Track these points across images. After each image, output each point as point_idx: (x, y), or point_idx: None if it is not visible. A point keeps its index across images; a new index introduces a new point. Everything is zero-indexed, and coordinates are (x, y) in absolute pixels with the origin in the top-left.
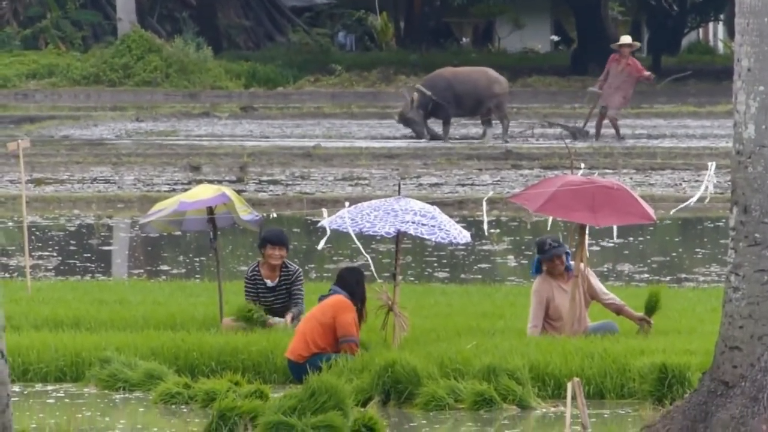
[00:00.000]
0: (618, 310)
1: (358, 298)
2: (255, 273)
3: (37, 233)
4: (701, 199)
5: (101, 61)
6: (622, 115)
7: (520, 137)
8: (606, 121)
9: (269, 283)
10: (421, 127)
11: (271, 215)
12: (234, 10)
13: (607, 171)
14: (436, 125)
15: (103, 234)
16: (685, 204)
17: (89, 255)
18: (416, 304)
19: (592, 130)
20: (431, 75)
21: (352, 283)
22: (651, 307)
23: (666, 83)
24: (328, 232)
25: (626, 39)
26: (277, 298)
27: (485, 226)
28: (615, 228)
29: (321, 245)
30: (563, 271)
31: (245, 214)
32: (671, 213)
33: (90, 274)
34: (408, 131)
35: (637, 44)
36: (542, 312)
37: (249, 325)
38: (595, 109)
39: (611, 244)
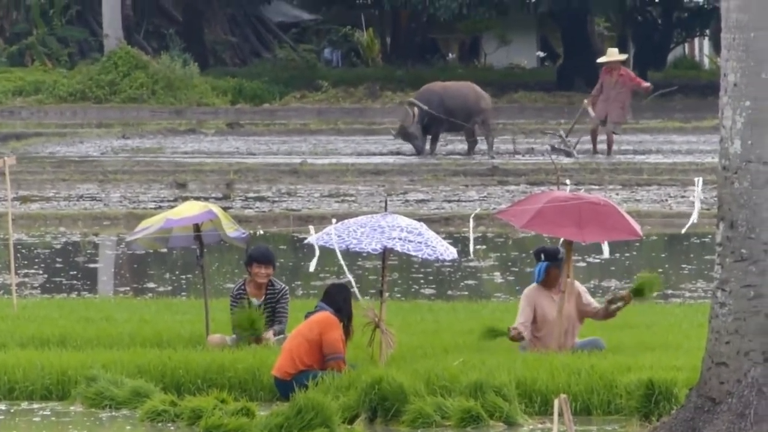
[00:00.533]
0: (605, 313)
1: (344, 314)
2: (241, 291)
3: (23, 251)
4: (687, 215)
5: (87, 77)
6: (623, 129)
7: (506, 153)
8: (603, 137)
9: (255, 301)
10: (420, 142)
11: (257, 232)
12: (220, 27)
13: (594, 187)
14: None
15: (89, 251)
16: (690, 223)
17: (75, 272)
18: (403, 320)
19: (575, 144)
20: (423, 90)
21: (338, 300)
22: (637, 291)
23: (652, 98)
24: (317, 252)
25: (613, 53)
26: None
27: (471, 244)
28: (606, 245)
29: (312, 266)
30: (558, 282)
31: (232, 230)
32: (683, 232)
33: (76, 292)
34: (395, 147)
35: (624, 56)
36: (530, 314)
37: (246, 333)
38: (576, 125)
39: (597, 260)
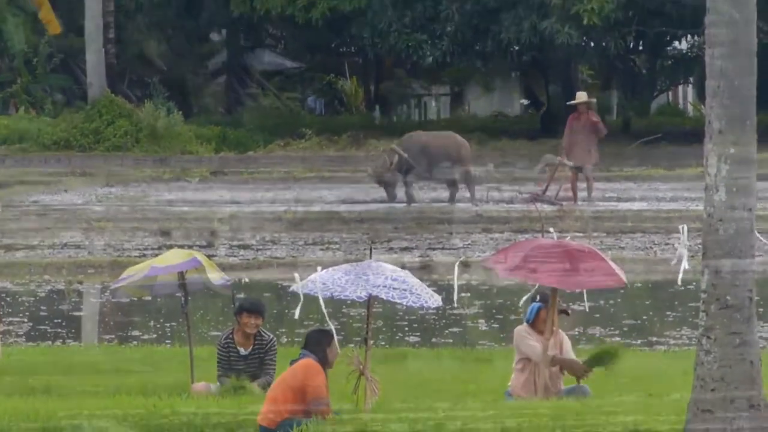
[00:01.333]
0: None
1: (319, 359)
2: (228, 340)
3: (8, 299)
4: (670, 261)
5: (72, 126)
6: (606, 177)
7: (489, 201)
8: (582, 184)
9: (242, 351)
10: (394, 189)
11: (242, 280)
12: (204, 75)
13: (578, 234)
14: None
15: (73, 299)
16: (681, 270)
17: (60, 320)
18: (387, 368)
19: (551, 192)
20: (405, 138)
21: (313, 344)
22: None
23: (636, 146)
24: (302, 299)
25: (582, 96)
26: (248, 366)
27: (455, 292)
28: (585, 293)
29: (297, 313)
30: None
31: (216, 278)
32: (679, 282)
33: (61, 340)
34: (378, 195)
35: (592, 100)
36: (534, 341)
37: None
38: (555, 173)
39: (581, 307)
